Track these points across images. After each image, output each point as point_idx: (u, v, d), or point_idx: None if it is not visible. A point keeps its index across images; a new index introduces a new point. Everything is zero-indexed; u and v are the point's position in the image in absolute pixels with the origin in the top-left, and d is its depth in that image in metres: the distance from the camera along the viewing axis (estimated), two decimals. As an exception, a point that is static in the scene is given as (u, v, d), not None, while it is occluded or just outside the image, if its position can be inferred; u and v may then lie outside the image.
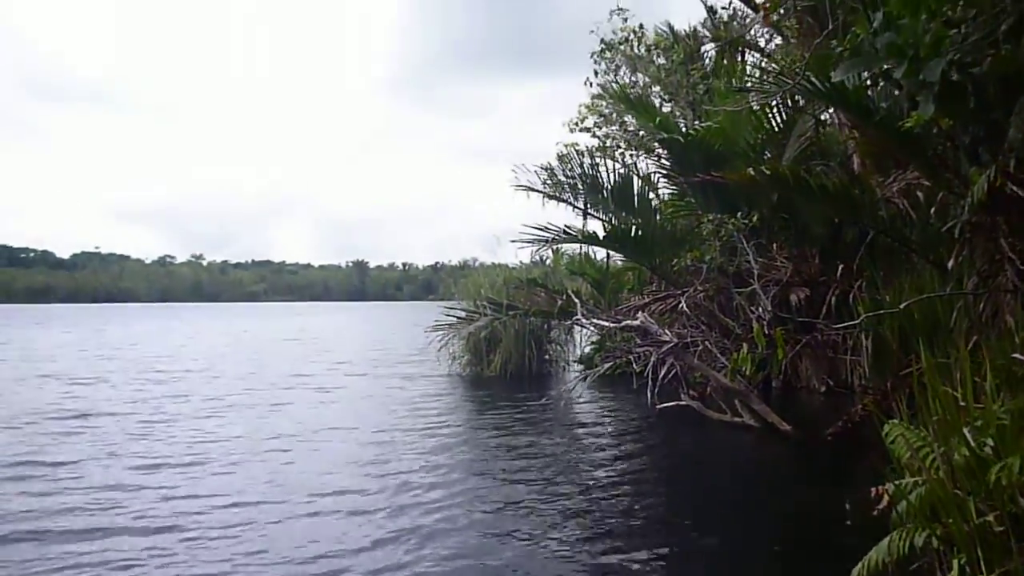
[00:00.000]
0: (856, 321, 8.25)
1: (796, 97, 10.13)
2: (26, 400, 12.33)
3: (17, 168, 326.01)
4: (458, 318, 14.58)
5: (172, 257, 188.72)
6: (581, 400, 12.25)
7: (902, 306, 7.17)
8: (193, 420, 10.39)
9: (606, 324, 10.70)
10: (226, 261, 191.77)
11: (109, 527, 5.64)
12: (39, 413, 10.91)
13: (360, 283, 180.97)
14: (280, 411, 11.36)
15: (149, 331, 35.59)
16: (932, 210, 8.12)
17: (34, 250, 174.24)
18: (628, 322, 10.10)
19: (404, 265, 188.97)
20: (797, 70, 7.84)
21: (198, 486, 6.94)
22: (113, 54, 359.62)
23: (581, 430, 10.09)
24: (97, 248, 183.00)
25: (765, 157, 10.79)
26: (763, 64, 13.30)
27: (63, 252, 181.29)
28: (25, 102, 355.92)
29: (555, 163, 12.63)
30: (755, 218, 10.62)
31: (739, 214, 10.68)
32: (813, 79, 7.05)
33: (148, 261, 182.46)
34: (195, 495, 6.61)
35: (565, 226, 11.71)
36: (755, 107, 10.23)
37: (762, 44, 14.40)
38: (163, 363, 19.08)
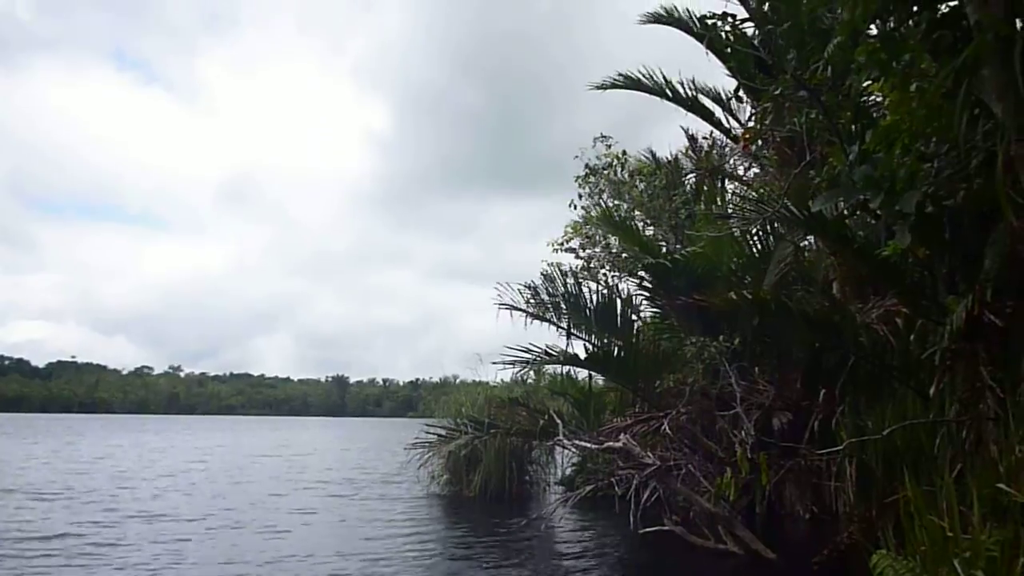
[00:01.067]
0: (839, 447, 8.20)
1: (776, 224, 10.36)
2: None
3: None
4: (438, 436, 14.38)
5: (150, 368, 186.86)
6: (562, 523, 11.99)
7: (885, 432, 7.15)
8: (153, 546, 9.93)
9: (588, 445, 10.59)
10: (204, 373, 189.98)
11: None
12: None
13: (340, 398, 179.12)
14: (251, 532, 11.04)
15: (122, 444, 34.78)
16: (912, 337, 8.20)
17: (9, 358, 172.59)
18: (610, 444, 10.02)
19: (385, 381, 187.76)
20: (776, 198, 8.05)
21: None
22: (97, 166, 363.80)
23: (562, 555, 9.84)
24: (74, 358, 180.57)
25: (746, 281, 10.94)
26: (743, 192, 13.66)
27: (39, 361, 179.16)
28: (13, 214, 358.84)
29: (539, 282, 12.76)
30: (737, 341, 10.69)
31: (721, 337, 10.75)
32: (792, 208, 7.24)
33: (125, 372, 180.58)
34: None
35: (547, 346, 11.76)
36: (736, 233, 10.45)
37: (741, 172, 14.83)
38: (130, 480, 18.59)
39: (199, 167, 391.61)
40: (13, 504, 13.20)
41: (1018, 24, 4.75)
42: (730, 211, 10.79)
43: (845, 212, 7.40)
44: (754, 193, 12.03)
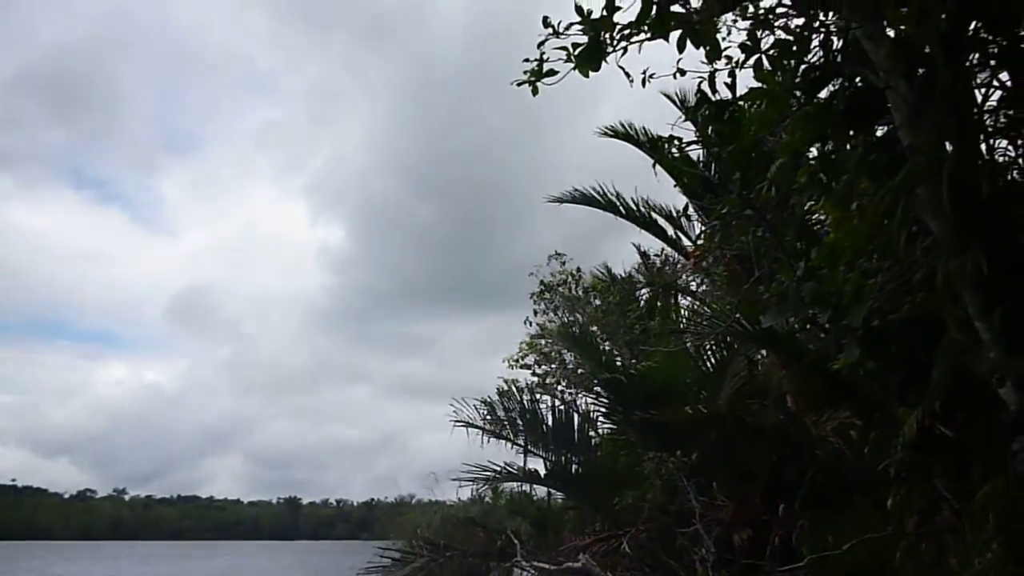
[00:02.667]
0: (801, 564, 8.10)
1: (729, 339, 10.49)
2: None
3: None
4: (392, 560, 13.94)
5: (93, 492, 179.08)
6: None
7: (845, 548, 7.10)
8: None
9: (546, 567, 10.37)
10: (150, 496, 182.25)
11: None
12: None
13: (292, 520, 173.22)
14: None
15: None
16: (866, 449, 8.24)
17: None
18: (570, 564, 9.82)
19: (338, 502, 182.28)
20: (728, 314, 8.19)
21: None
22: (50, 283, 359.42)
23: None
24: (13, 481, 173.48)
25: (702, 396, 10.98)
26: (696, 307, 13.86)
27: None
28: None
29: (495, 399, 12.68)
30: (695, 456, 10.64)
31: (679, 452, 10.69)
32: (744, 322, 7.36)
33: (67, 496, 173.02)
34: None
35: (505, 463, 11.61)
36: (690, 348, 10.54)
37: (694, 288, 15.08)
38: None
39: (153, 285, 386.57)
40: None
41: (948, 147, 4.99)
42: (684, 326, 10.92)
43: (795, 327, 7.53)
44: (707, 308, 12.22)
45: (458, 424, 12.31)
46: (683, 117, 7.47)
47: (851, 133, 5.65)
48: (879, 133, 5.75)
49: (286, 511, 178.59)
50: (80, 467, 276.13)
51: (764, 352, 11.06)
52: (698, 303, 13.93)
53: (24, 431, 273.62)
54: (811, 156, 5.98)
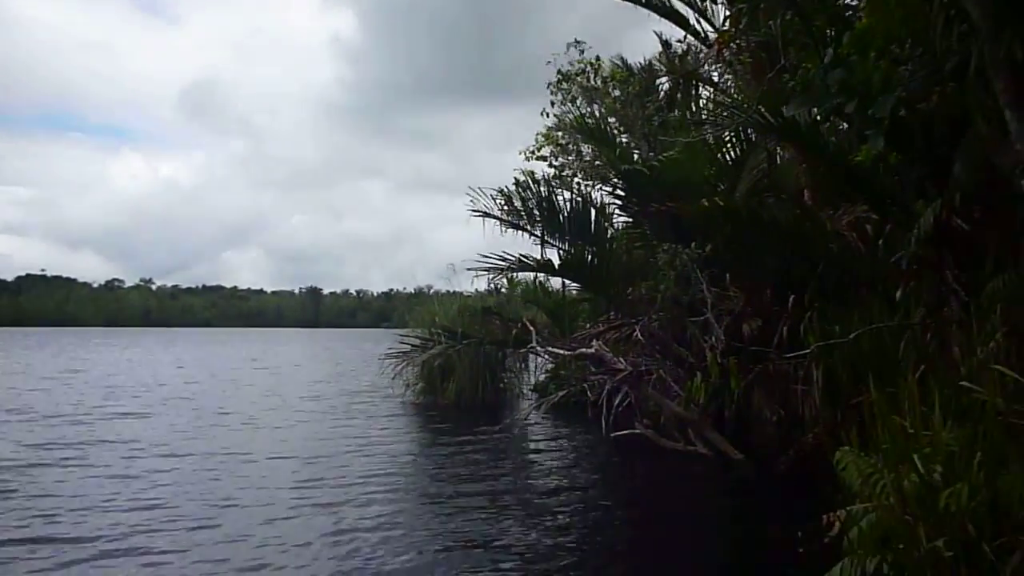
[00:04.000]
0: (807, 351, 8.35)
1: (749, 131, 10.30)
2: None
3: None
4: (412, 346, 14.47)
5: (120, 281, 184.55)
6: (535, 429, 12.24)
7: (851, 337, 7.29)
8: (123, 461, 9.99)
9: (561, 352, 10.72)
10: (176, 286, 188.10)
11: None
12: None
13: (314, 310, 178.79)
14: (229, 439, 11.18)
15: (90, 359, 34.63)
16: (880, 243, 8.28)
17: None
18: (583, 350, 10.14)
19: (359, 292, 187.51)
20: (750, 104, 7.99)
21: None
22: (57, 74, 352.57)
23: (534, 458, 10.07)
24: (43, 271, 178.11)
25: (719, 189, 10.93)
26: (717, 98, 13.52)
27: (7, 275, 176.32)
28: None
29: (512, 189, 12.62)
30: (709, 249, 10.73)
31: (693, 245, 10.78)
32: (765, 113, 7.19)
33: (96, 285, 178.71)
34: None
35: (521, 255, 11.71)
36: (709, 140, 10.37)
37: (716, 78, 14.66)
38: (110, 395, 18.65)
39: (161, 78, 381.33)
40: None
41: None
42: (704, 117, 10.69)
43: (818, 118, 7.37)
44: (728, 99, 11.91)
45: (475, 214, 12.32)
46: None
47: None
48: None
49: (308, 301, 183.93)
50: (105, 258, 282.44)
51: (783, 146, 10.90)
52: (719, 93, 13.59)
53: (47, 224, 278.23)
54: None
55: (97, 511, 6.89)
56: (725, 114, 9.17)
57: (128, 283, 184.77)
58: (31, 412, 13.83)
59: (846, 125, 6.96)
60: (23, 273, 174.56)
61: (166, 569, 5.36)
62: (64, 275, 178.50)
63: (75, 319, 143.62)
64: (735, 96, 11.65)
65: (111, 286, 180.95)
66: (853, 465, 4.05)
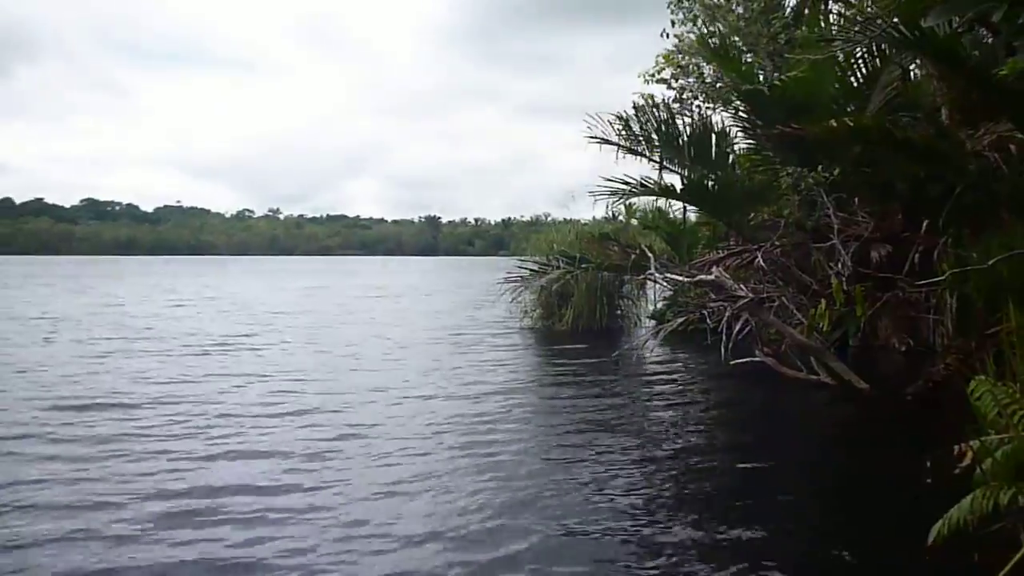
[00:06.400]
0: (940, 279, 8.02)
1: (883, 46, 9.76)
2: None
3: (102, 125, 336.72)
4: (530, 271, 14.56)
5: (251, 211, 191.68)
6: (652, 356, 12.21)
7: (989, 263, 6.94)
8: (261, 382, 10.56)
9: (680, 279, 10.59)
10: (302, 215, 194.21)
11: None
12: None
13: (432, 238, 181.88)
14: (356, 362, 11.62)
15: (232, 290, 36.26)
16: (1024, 163, 7.81)
17: (119, 203, 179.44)
18: (702, 277, 10.00)
19: (476, 221, 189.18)
20: (885, 17, 7.54)
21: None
22: (176, 9, 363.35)
23: (652, 386, 10.08)
24: (179, 202, 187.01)
25: (848, 109, 10.45)
26: (848, 12, 12.81)
27: (147, 206, 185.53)
28: (104, 61, 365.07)
29: (630, 114, 12.37)
30: (836, 172, 10.33)
31: (819, 168, 10.40)
32: (901, 26, 6.78)
33: (227, 215, 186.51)
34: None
35: (641, 179, 11.52)
36: (839, 57, 9.88)
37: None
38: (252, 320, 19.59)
39: (283, 8, 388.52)
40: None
41: None
42: (833, 33, 10.11)
43: (960, 29, 6.91)
44: (860, 12, 11.28)
45: (592, 140, 12.16)
46: None
47: None
48: None
49: (427, 229, 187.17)
50: (235, 189, 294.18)
51: (919, 61, 10.30)
52: (850, 7, 12.88)
53: (181, 156, 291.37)
54: None
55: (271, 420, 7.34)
56: (856, 29, 8.67)
57: (258, 213, 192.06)
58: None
59: (991, 36, 6.51)
60: (161, 204, 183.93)
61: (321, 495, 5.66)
62: (199, 206, 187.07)
63: (207, 247, 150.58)
64: (868, 8, 11.01)
65: (241, 216, 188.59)
66: (989, 394, 3.90)
